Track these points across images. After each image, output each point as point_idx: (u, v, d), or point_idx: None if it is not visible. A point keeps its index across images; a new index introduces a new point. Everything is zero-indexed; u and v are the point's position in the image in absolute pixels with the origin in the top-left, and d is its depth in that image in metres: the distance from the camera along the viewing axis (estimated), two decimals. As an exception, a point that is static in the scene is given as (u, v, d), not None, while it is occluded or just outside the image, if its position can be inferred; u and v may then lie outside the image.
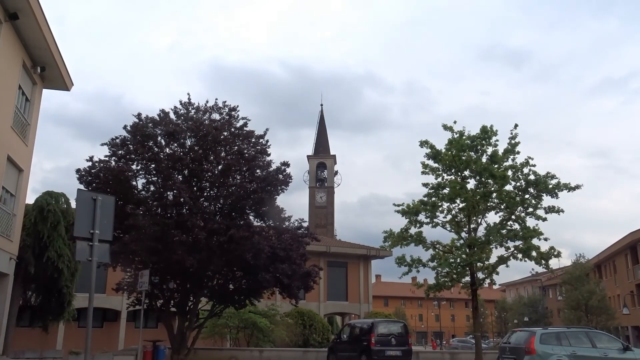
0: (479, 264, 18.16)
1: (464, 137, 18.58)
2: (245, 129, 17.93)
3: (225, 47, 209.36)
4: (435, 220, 18.78)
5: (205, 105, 18.17)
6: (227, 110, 18.17)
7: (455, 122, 18.80)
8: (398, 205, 18.93)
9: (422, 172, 19.06)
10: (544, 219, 17.81)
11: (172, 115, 17.62)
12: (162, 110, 17.61)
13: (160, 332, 22.85)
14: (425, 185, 18.95)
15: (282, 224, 18.20)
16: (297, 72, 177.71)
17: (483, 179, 18.28)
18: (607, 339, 14.90)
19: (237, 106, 18.30)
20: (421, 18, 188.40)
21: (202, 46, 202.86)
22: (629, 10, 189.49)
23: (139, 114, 17.43)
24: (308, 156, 58.08)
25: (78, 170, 16.60)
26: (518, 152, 18.35)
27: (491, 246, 18.42)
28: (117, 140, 17.07)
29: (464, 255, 18.10)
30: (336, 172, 57.21)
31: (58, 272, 18.02)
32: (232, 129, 17.75)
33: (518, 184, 18.21)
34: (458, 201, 18.47)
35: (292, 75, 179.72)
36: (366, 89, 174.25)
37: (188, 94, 18.67)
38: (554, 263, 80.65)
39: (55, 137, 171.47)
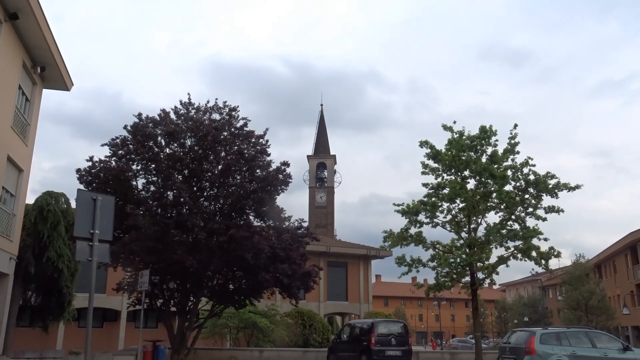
0: (479, 264, 18.15)
1: (463, 137, 18.59)
2: (245, 129, 17.94)
3: (225, 44, 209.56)
4: (435, 220, 18.79)
5: (206, 105, 18.19)
6: (227, 111, 18.18)
7: (455, 122, 18.86)
8: (398, 205, 18.95)
9: (422, 172, 19.08)
10: (544, 219, 17.82)
11: (172, 115, 17.63)
12: (163, 110, 17.65)
13: (160, 332, 22.85)
14: (425, 185, 18.96)
15: (282, 224, 18.20)
16: (298, 70, 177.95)
17: (483, 179, 18.28)
18: (607, 339, 14.90)
19: (237, 106, 18.33)
20: (422, 18, 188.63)
21: (202, 43, 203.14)
22: (630, 12, 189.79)
23: (139, 114, 17.47)
24: (308, 156, 58.14)
25: (78, 170, 16.61)
26: (518, 152, 18.37)
27: (491, 246, 18.42)
28: (117, 140, 17.09)
29: (464, 255, 18.09)
30: (335, 172, 57.30)
31: (58, 272, 18.03)
32: (232, 129, 17.75)
33: (518, 184, 18.22)
34: (458, 201, 18.47)
35: (293, 73, 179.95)
36: (368, 88, 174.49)
37: (188, 93, 18.72)
38: (554, 263, 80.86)
39: (53, 136, 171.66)
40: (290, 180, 17.93)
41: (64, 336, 26.55)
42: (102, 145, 17.16)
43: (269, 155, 18.10)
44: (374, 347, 16.34)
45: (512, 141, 18.39)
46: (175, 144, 17.43)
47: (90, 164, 16.71)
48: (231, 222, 16.63)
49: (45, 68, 16.17)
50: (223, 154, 17.28)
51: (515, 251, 18.10)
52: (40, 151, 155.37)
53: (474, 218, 18.65)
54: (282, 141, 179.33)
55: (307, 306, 29.11)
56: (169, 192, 16.82)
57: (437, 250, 18.81)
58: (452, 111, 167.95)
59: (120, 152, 16.97)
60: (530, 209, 17.98)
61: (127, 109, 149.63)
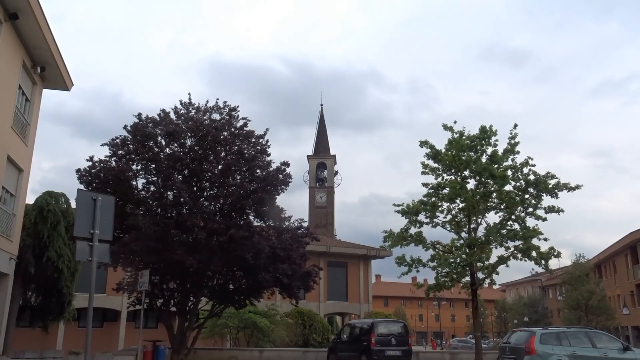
0: (479, 264, 18.15)
1: (463, 137, 18.59)
2: (245, 129, 17.94)
3: (225, 44, 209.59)
4: (435, 220, 18.80)
5: (206, 105, 18.19)
6: (227, 111, 18.18)
7: (455, 122, 18.87)
8: (398, 205, 18.97)
9: (422, 172, 19.08)
10: (544, 219, 17.82)
11: (172, 115, 17.63)
12: (163, 110, 17.65)
13: (160, 332, 22.85)
14: (425, 185, 18.97)
15: (282, 224, 18.20)
16: (299, 70, 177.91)
17: (483, 179, 18.29)
18: (607, 339, 14.90)
19: (237, 106, 18.34)
20: (422, 18, 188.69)
21: (202, 43, 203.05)
22: (630, 12, 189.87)
23: (139, 114, 17.47)
24: (308, 156, 58.16)
25: (78, 170, 16.62)
26: (518, 152, 18.38)
27: (491, 246, 18.43)
28: (118, 140, 17.09)
29: (464, 255, 18.10)
30: (336, 172, 57.36)
31: (58, 272, 18.02)
32: (232, 129, 17.75)
33: (518, 184, 18.22)
34: (458, 201, 18.47)
35: (294, 73, 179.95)
36: (368, 88, 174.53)
37: (188, 93, 18.77)
38: (554, 263, 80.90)
39: (53, 136, 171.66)
40: (290, 180, 17.94)
41: (64, 336, 26.55)
42: (102, 145, 17.20)
43: (269, 155, 18.12)
44: (374, 347, 16.34)
45: (512, 141, 18.39)
46: (175, 144, 17.43)
47: (90, 164, 16.72)
48: (231, 222, 16.63)
49: (45, 68, 16.16)
50: (223, 154, 17.28)
51: (515, 251, 18.10)
52: (40, 151, 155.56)
53: (474, 218, 18.65)
54: (282, 141, 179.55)
55: (307, 306, 29.11)
56: (169, 192, 16.82)
57: (437, 250, 18.81)
58: (452, 111, 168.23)
59: (120, 152, 16.97)
60: (530, 209, 17.98)
61: (127, 109, 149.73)
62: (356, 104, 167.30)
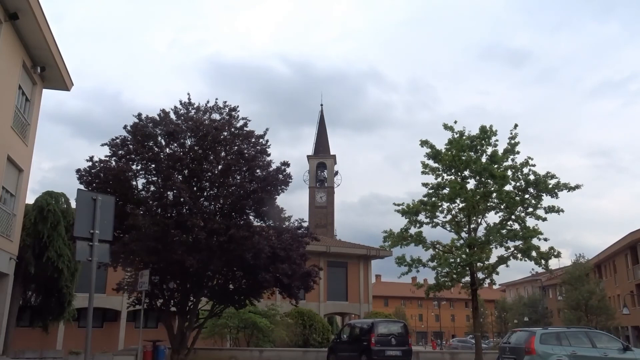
0: (479, 264, 18.17)
1: (464, 137, 18.60)
2: (245, 129, 17.93)
3: (226, 44, 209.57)
4: (435, 220, 18.81)
5: (206, 105, 18.18)
6: (227, 111, 18.17)
7: (455, 122, 18.90)
8: (398, 205, 18.97)
9: (422, 172, 19.10)
10: (544, 219, 17.84)
11: (172, 115, 17.62)
12: (163, 110, 17.63)
13: (160, 332, 22.84)
14: (425, 185, 18.98)
15: (282, 224, 18.20)
16: (299, 69, 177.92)
17: (483, 179, 18.30)
18: (607, 339, 14.90)
19: (237, 106, 18.33)
20: (422, 18, 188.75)
21: (202, 43, 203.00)
22: (630, 12, 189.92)
23: (139, 114, 17.46)
24: (308, 156, 58.14)
25: (78, 170, 16.60)
26: (518, 152, 18.40)
27: (491, 246, 18.44)
28: (117, 140, 17.08)
29: (464, 255, 18.10)
30: (336, 172, 57.36)
31: (58, 272, 18.04)
32: (232, 129, 17.74)
33: (518, 184, 18.24)
34: (458, 201, 18.48)
35: (294, 73, 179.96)
36: (368, 87, 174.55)
37: (188, 93, 18.70)
38: (554, 263, 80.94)
39: (53, 135, 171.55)
40: (290, 180, 17.92)
41: (64, 336, 26.56)
42: (102, 145, 17.18)
43: (269, 155, 18.09)
44: (374, 347, 16.34)
45: (512, 141, 18.41)
46: (175, 144, 17.42)
47: (90, 164, 16.71)
48: (231, 222, 16.62)
49: (45, 68, 16.17)
50: (223, 154, 17.27)
51: (515, 251, 18.11)
52: (40, 151, 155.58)
53: (474, 218, 18.65)
54: (282, 141, 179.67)
55: (307, 306, 29.10)
56: (169, 192, 16.81)
57: (437, 250, 18.82)
58: (452, 111, 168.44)
59: (120, 152, 16.96)
60: (530, 209, 18.00)
61: (127, 108, 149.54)
62: (356, 104, 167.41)
